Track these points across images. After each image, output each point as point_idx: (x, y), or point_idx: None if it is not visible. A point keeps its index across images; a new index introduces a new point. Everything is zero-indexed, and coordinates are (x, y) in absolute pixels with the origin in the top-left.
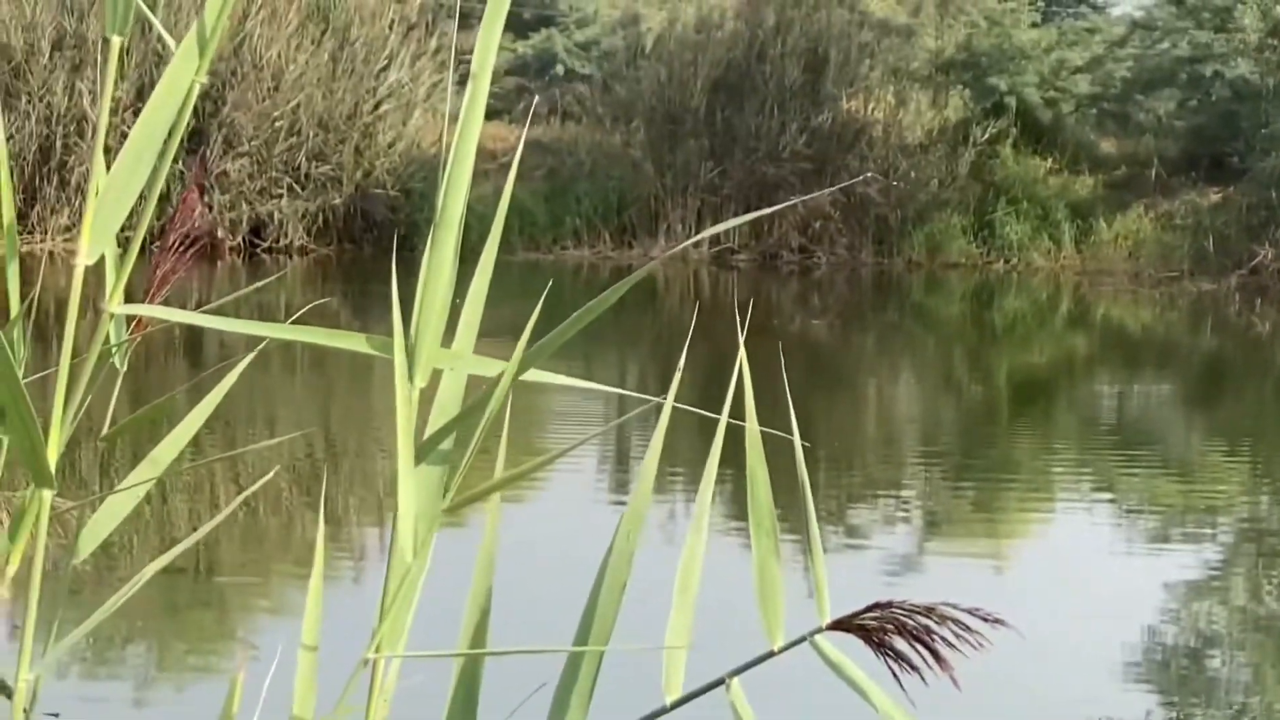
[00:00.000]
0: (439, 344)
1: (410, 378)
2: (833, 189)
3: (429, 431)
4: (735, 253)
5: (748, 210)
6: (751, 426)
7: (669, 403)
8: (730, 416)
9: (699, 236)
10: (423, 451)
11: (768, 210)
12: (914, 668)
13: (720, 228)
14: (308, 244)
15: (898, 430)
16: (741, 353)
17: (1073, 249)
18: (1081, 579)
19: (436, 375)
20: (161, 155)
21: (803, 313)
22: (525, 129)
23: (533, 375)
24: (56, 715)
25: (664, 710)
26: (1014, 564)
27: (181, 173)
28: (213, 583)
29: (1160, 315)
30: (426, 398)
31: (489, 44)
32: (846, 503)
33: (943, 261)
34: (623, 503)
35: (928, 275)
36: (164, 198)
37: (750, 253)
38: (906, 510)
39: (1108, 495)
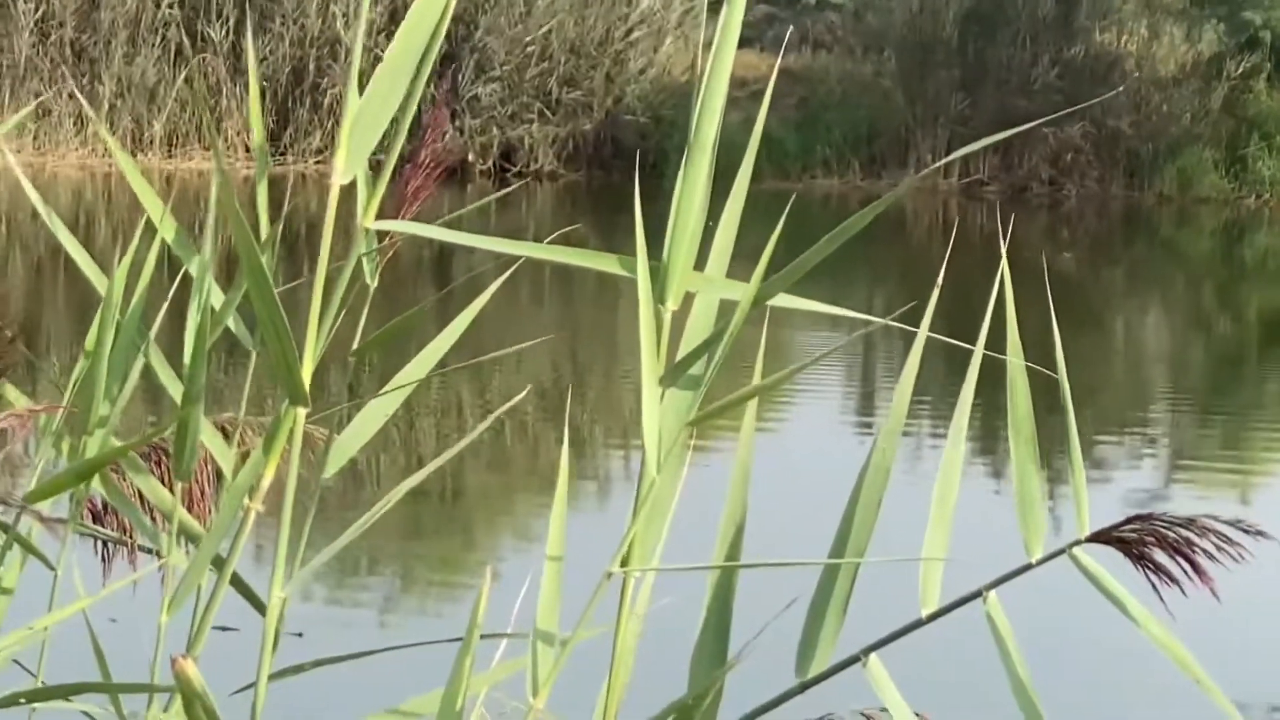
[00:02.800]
0: (690, 267)
1: (662, 300)
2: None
3: (680, 354)
4: (985, 184)
5: (998, 144)
6: (1012, 337)
7: (923, 332)
8: (989, 337)
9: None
10: (669, 371)
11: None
12: (1174, 580)
13: (960, 152)
14: (557, 169)
15: (1145, 366)
16: (1004, 265)
17: None
18: None
19: (688, 299)
20: (415, 78)
21: (1051, 245)
22: (779, 58)
23: (779, 301)
24: (300, 635)
25: (920, 623)
26: (1262, 504)
27: (433, 95)
28: (459, 505)
29: None
30: (678, 321)
31: None
32: (1092, 437)
33: (1194, 196)
34: (874, 430)
35: (1178, 210)
36: (415, 120)
37: (1000, 184)
38: (1153, 447)
39: None
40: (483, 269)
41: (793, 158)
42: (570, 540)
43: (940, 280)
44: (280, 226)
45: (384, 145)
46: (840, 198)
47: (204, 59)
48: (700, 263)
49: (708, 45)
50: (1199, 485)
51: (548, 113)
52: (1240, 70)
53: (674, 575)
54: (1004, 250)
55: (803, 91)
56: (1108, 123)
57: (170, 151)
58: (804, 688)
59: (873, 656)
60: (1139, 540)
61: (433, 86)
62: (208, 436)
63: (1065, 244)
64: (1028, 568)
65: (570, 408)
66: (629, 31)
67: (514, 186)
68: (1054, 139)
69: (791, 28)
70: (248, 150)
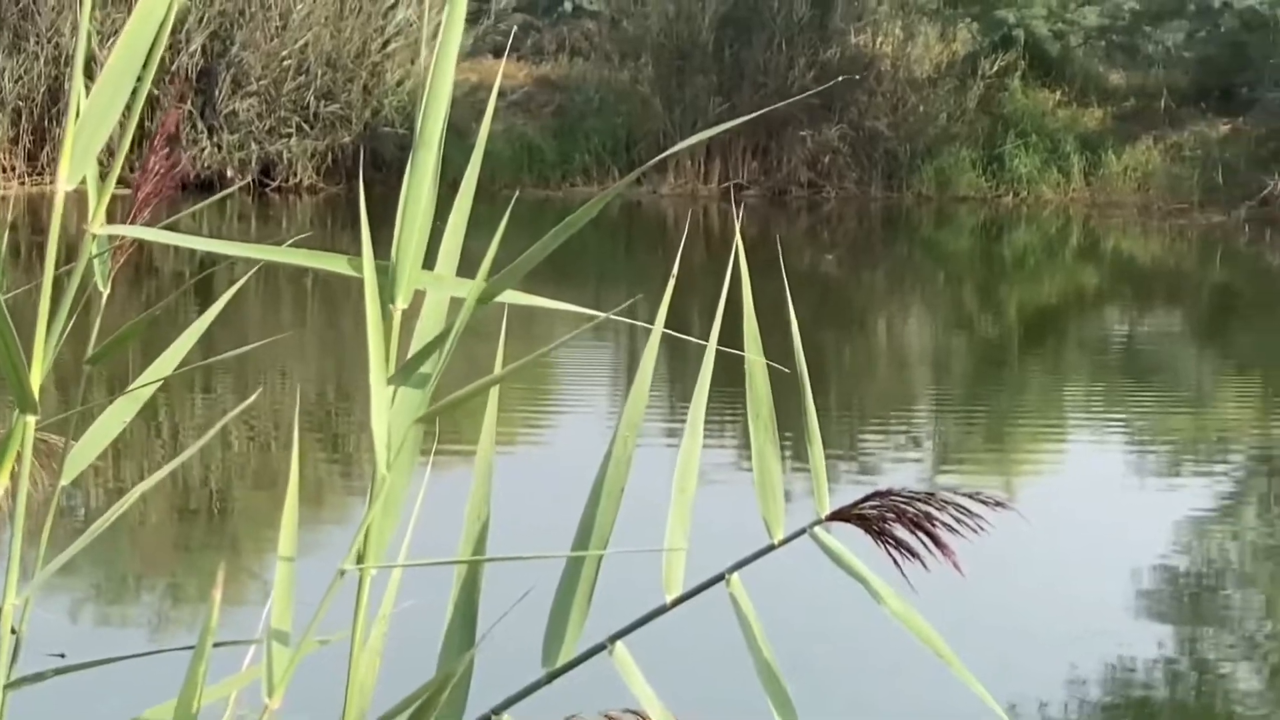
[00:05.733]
0: (418, 266)
1: (391, 299)
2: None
3: (412, 350)
4: (744, 188)
5: (757, 148)
6: (750, 327)
7: (658, 328)
8: (728, 328)
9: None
10: (399, 370)
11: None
12: (915, 555)
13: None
14: (317, 183)
15: (908, 365)
16: (738, 240)
17: (1082, 181)
18: (1093, 513)
19: (420, 298)
20: (140, 79)
21: (812, 247)
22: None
23: (506, 297)
24: (63, 655)
25: (664, 609)
26: (1025, 499)
27: (191, 112)
28: (225, 522)
29: (1170, 247)
30: (410, 321)
31: None
32: (856, 439)
33: (952, 195)
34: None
35: (937, 209)
36: (173, 138)
37: (760, 188)
38: (916, 446)
39: (1119, 428)
40: (246, 290)
41: (552, 166)
42: (338, 545)
43: (674, 275)
44: (3, 236)
45: (112, 150)
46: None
47: None
48: (431, 262)
49: (461, 55)
50: (964, 482)
51: (306, 126)
52: (995, 69)
53: (439, 581)
54: (739, 241)
55: (561, 100)
56: (865, 124)
57: None
58: (551, 678)
59: (619, 644)
60: (879, 516)
61: (189, 103)
62: None
63: (826, 246)
64: (770, 549)
65: (341, 423)
66: (385, 44)
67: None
68: (812, 141)
69: (548, 36)
70: (1, 170)
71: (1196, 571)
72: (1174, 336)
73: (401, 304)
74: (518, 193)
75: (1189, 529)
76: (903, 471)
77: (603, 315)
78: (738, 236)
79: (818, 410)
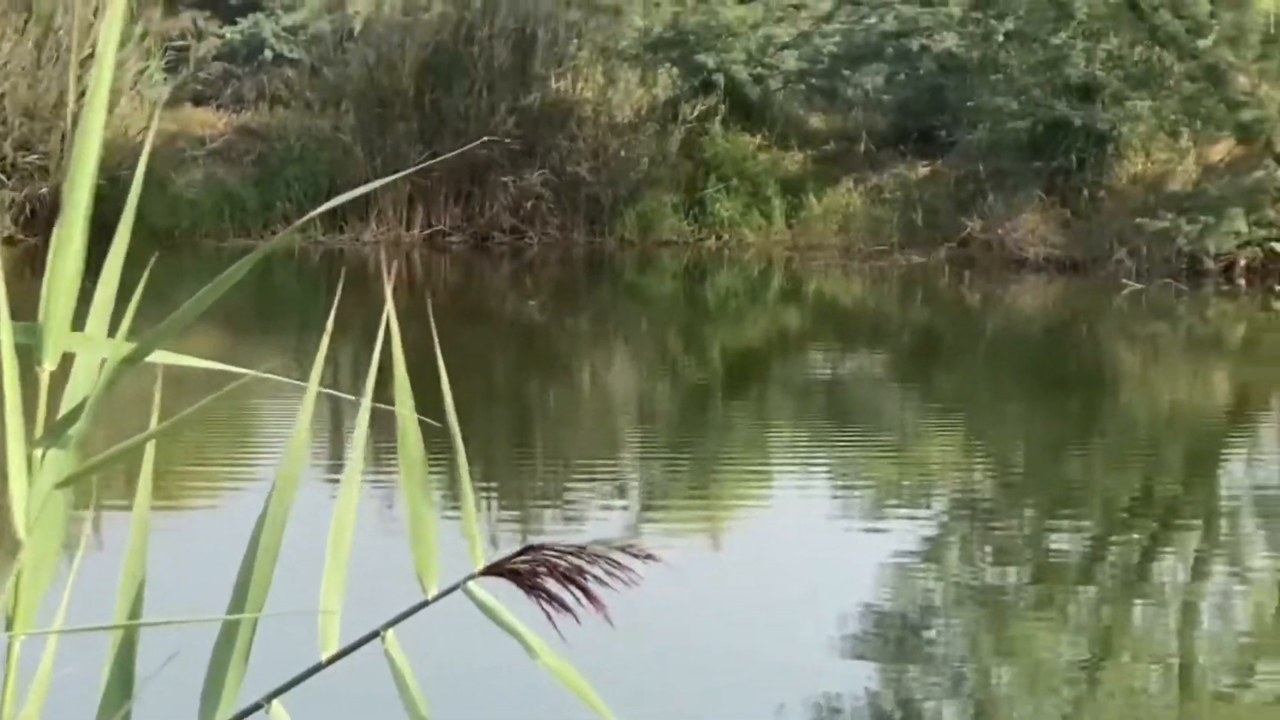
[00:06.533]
0: (68, 325)
1: (39, 360)
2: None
3: (61, 412)
4: (447, 235)
5: (460, 194)
6: (401, 382)
7: (313, 386)
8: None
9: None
10: (46, 433)
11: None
12: (568, 609)
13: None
14: (15, 234)
15: (613, 412)
16: (389, 306)
17: (783, 224)
18: (798, 556)
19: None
20: None
21: (516, 293)
22: (155, 111)
23: (156, 357)
24: None
25: (320, 667)
26: (730, 544)
27: None
28: None
29: (872, 289)
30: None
31: (114, 14)
32: (561, 486)
33: (655, 239)
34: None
35: (640, 254)
36: None
37: (462, 234)
38: (621, 493)
39: (823, 471)
40: None
41: (253, 215)
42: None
43: (328, 332)
44: None
45: None
46: (303, 253)
47: None
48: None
49: (160, 104)
50: (669, 528)
51: (3, 178)
52: (696, 113)
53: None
54: (388, 294)
55: (262, 148)
56: (567, 170)
57: None
58: None
59: (275, 703)
60: (531, 571)
61: None
62: None
63: (530, 292)
64: (424, 604)
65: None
66: (83, 93)
67: None
68: (515, 187)
69: (248, 84)
70: None
71: (901, 611)
72: (877, 379)
73: (49, 365)
74: (156, 255)
75: (894, 570)
76: (609, 520)
77: (250, 374)
78: (388, 293)
79: (522, 460)
